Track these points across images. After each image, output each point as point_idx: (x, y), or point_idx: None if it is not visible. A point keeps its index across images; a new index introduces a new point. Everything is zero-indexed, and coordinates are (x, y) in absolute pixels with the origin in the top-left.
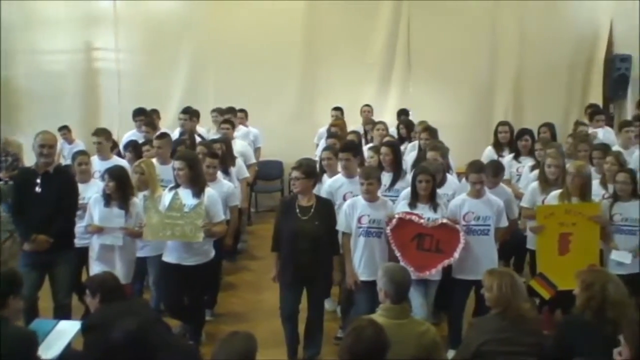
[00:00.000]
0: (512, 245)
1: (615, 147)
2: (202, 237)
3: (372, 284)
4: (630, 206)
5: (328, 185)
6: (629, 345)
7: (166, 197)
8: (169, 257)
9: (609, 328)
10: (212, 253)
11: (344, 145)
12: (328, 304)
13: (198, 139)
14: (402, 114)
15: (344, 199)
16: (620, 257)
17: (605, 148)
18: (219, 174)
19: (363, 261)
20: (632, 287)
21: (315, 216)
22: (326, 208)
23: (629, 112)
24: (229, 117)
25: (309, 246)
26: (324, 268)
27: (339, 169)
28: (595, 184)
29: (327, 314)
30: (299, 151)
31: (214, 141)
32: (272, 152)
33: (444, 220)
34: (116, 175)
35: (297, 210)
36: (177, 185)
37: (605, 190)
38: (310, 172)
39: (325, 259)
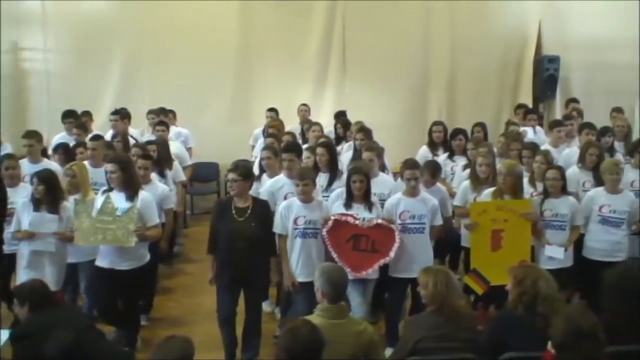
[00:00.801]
0: (447, 243)
1: (545, 146)
2: (134, 242)
3: (309, 285)
4: (559, 202)
5: (269, 185)
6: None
7: (99, 200)
8: (102, 262)
9: (540, 322)
10: (147, 257)
11: (287, 146)
12: (266, 306)
13: (132, 141)
14: (341, 115)
15: (285, 200)
16: (553, 252)
17: (534, 147)
18: (154, 177)
19: (300, 262)
20: (561, 281)
21: (251, 217)
22: (262, 209)
23: (558, 112)
24: (163, 118)
25: (246, 248)
26: (261, 269)
27: (278, 169)
28: (524, 182)
29: (265, 316)
30: (235, 153)
31: (149, 143)
32: (208, 153)
33: (379, 221)
34: (45, 179)
35: (233, 212)
36: (110, 189)
37: (533, 189)
38: (247, 173)
39: (263, 261)
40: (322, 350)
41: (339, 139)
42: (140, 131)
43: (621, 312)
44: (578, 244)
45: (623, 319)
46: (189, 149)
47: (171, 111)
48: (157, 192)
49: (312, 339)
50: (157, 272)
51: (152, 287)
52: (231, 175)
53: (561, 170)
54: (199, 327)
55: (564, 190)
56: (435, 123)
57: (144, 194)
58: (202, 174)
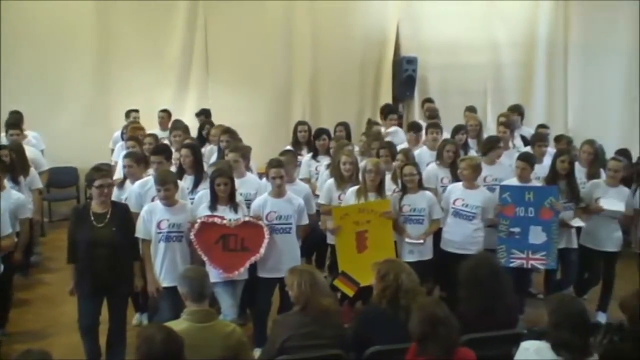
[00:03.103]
0: (313, 242)
1: (404, 145)
2: None
3: (174, 290)
4: (417, 197)
5: (138, 186)
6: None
7: None
8: None
9: (402, 314)
10: (1, 268)
11: (155, 149)
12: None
13: None
14: (202, 114)
15: (153, 201)
16: (414, 241)
17: (390, 146)
18: (7, 184)
19: (164, 267)
20: (421, 274)
21: (111, 222)
22: (122, 213)
23: (417, 111)
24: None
25: (107, 254)
26: (124, 276)
27: (141, 174)
28: (387, 179)
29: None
30: (94, 156)
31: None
32: (66, 158)
33: (247, 219)
34: None
35: (92, 218)
36: None
37: (395, 185)
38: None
39: (125, 266)
40: (180, 354)
41: (203, 141)
42: None
43: (475, 302)
44: (439, 237)
45: (477, 308)
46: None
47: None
48: (10, 200)
49: (169, 342)
50: (13, 284)
51: (7, 300)
52: (103, 181)
53: (417, 167)
54: (60, 339)
55: (420, 185)
56: (300, 123)
57: None
58: (60, 179)
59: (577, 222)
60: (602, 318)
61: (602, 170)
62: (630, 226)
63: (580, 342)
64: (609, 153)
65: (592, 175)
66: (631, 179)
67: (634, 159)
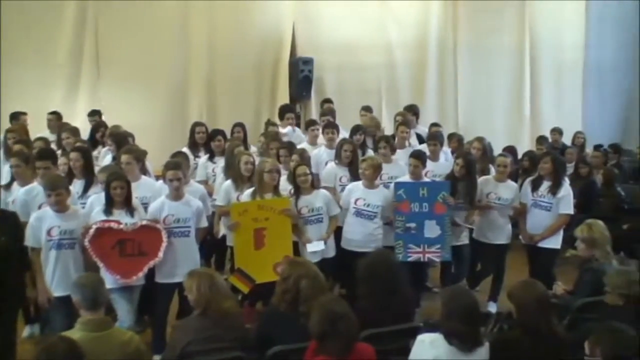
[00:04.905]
0: (212, 244)
1: (303, 144)
2: None
3: (67, 299)
4: (312, 197)
5: (23, 193)
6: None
7: None
8: None
9: (301, 319)
10: None
11: (40, 153)
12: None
13: None
14: (95, 114)
15: (40, 209)
16: (314, 247)
17: (290, 146)
18: None
19: (56, 275)
20: (324, 272)
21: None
22: (11, 221)
23: (314, 112)
24: None
25: None
26: (14, 287)
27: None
28: (282, 179)
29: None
30: None
31: None
32: None
33: (144, 222)
34: None
35: None
36: None
37: (291, 186)
38: None
39: (15, 277)
40: None
41: (96, 143)
42: None
43: (373, 298)
44: (339, 236)
45: (375, 303)
46: None
47: None
48: None
49: (70, 353)
50: None
51: None
52: None
53: (310, 167)
54: None
55: (313, 185)
56: (197, 124)
57: None
58: None
59: (467, 224)
60: (492, 308)
61: (491, 167)
62: (519, 218)
63: (471, 331)
64: (497, 150)
65: (482, 170)
66: (517, 174)
67: (519, 156)
